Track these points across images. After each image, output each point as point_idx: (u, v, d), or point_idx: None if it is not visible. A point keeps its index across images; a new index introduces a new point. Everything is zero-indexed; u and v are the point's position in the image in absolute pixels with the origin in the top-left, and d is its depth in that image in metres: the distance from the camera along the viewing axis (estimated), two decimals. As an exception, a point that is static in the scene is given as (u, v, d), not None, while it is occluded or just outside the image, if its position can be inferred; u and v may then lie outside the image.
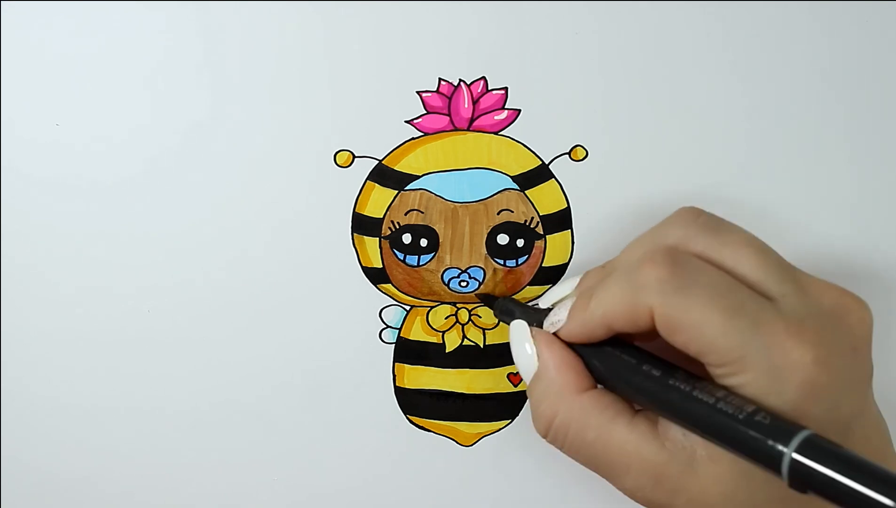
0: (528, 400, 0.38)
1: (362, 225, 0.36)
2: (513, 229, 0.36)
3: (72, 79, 0.34)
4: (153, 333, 0.37)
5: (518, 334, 0.32)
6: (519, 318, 0.33)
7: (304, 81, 0.35)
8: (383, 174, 0.36)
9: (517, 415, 0.38)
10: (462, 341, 0.38)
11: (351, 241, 0.36)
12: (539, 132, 0.35)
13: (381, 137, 0.35)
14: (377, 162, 0.35)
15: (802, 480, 0.24)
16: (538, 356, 0.31)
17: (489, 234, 0.36)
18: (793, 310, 0.28)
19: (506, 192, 0.36)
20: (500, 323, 0.37)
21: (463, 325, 0.37)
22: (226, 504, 0.39)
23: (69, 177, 0.35)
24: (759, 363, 0.27)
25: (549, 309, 0.32)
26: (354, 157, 0.35)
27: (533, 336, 0.32)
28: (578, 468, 0.39)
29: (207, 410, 0.38)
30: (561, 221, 0.36)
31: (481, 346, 0.38)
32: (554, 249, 0.37)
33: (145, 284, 0.37)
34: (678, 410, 0.28)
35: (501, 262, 0.36)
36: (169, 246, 0.36)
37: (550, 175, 0.36)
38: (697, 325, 0.27)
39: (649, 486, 0.29)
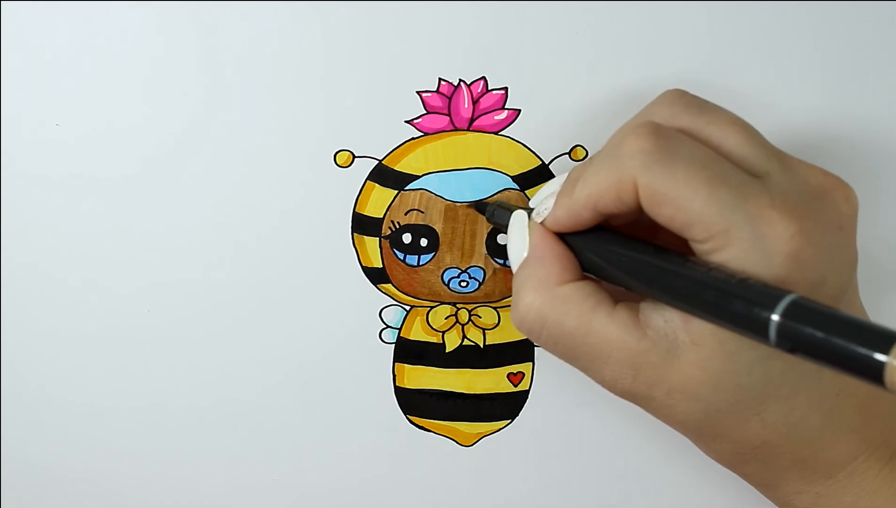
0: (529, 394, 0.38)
1: (362, 225, 0.36)
2: (513, 229, 0.36)
3: (70, 78, 0.34)
4: (153, 331, 0.37)
5: (516, 223, 0.32)
6: (520, 210, 0.32)
7: (303, 80, 0.35)
8: (383, 174, 0.36)
9: (517, 415, 0.38)
10: (462, 341, 0.38)
11: (351, 241, 0.36)
12: (539, 132, 0.35)
13: (381, 137, 0.35)
14: (377, 162, 0.35)
15: (791, 341, 0.24)
16: (528, 246, 0.31)
17: (489, 234, 0.36)
18: (778, 185, 0.27)
19: (506, 192, 0.36)
20: (500, 323, 0.37)
21: (463, 325, 0.37)
22: (226, 503, 0.39)
23: (67, 175, 0.35)
24: (743, 235, 0.26)
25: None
26: (354, 157, 0.35)
27: (529, 227, 0.31)
28: (578, 468, 0.39)
29: (207, 409, 0.38)
30: (561, 221, 0.36)
31: (481, 346, 0.38)
32: (554, 249, 0.36)
33: (146, 282, 0.37)
34: (668, 285, 0.27)
35: (501, 262, 0.36)
36: (168, 245, 0.36)
37: (550, 175, 0.36)
38: (681, 196, 0.27)
39: (629, 376, 0.28)
